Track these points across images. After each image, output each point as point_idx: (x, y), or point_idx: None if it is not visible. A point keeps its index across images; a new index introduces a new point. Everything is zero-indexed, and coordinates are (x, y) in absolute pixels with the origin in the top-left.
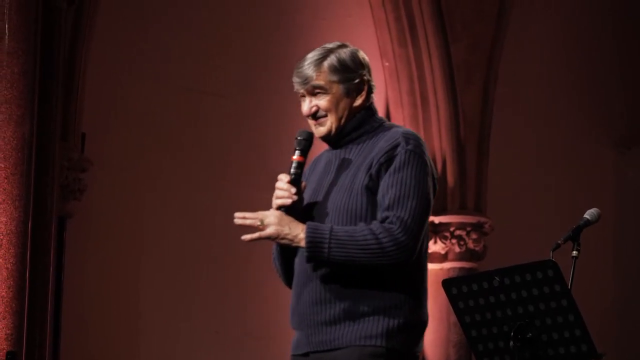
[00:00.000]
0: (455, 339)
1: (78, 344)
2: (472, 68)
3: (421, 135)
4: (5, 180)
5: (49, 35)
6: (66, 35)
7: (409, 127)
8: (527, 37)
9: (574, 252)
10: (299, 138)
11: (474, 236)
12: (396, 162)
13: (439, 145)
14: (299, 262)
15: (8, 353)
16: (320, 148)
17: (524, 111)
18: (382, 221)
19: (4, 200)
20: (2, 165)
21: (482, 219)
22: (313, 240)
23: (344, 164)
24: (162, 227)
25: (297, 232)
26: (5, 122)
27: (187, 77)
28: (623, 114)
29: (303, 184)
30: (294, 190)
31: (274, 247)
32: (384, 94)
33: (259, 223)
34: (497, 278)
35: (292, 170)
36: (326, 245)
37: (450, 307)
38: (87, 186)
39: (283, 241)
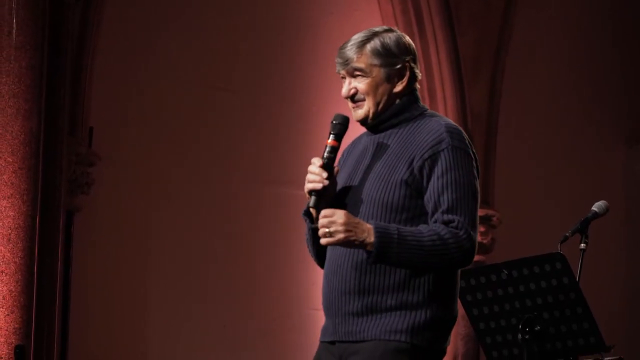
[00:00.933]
0: (463, 332)
1: (86, 337)
2: (480, 61)
3: None
4: (13, 175)
5: (57, 29)
6: (74, 29)
7: None
8: (534, 31)
9: (582, 244)
10: (334, 122)
11: (481, 229)
12: (445, 161)
13: None
14: (331, 249)
15: (16, 347)
16: (356, 130)
17: (532, 104)
18: (446, 223)
19: (12, 194)
20: (10, 160)
21: (490, 212)
22: (381, 246)
23: (381, 151)
24: (170, 221)
25: (364, 236)
26: (13, 116)
27: (196, 72)
28: (633, 107)
29: (336, 169)
30: (325, 174)
31: (306, 228)
32: None
33: (327, 231)
34: (505, 271)
35: (325, 154)
36: (395, 250)
37: (459, 300)
38: (94, 180)
39: (349, 244)
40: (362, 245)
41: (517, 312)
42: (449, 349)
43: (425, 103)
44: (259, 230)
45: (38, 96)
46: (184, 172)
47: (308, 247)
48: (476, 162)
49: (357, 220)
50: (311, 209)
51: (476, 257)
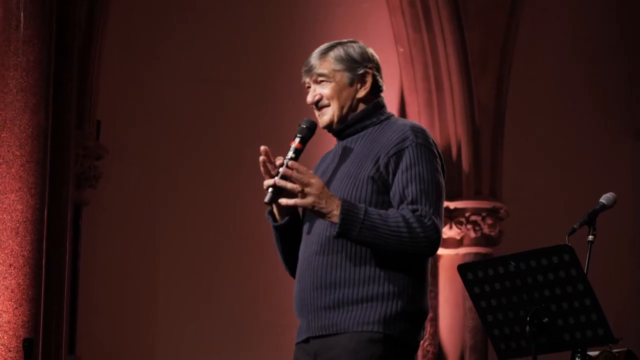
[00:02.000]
0: (471, 324)
1: (94, 330)
2: (487, 54)
3: (436, 120)
4: (21, 168)
5: (64, 23)
6: (81, 23)
7: (423, 113)
8: (541, 24)
9: (590, 236)
10: (301, 125)
11: (489, 221)
12: (409, 157)
13: (454, 130)
14: (302, 249)
15: (25, 340)
16: (328, 141)
17: (539, 96)
18: (412, 212)
19: (20, 188)
20: (18, 153)
21: (498, 204)
22: (346, 218)
23: (348, 154)
24: (177, 214)
25: (332, 207)
26: (20, 110)
27: (203, 66)
28: None
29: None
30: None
31: (274, 234)
32: (399, 80)
33: (299, 189)
34: (512, 263)
35: (288, 155)
36: (358, 225)
37: (466, 293)
38: (102, 174)
39: (316, 212)
40: (328, 215)
41: (525, 304)
42: (457, 341)
43: (432, 96)
44: (265, 224)
45: (46, 90)
46: (191, 165)
47: (277, 248)
48: (441, 160)
49: (330, 193)
50: (274, 207)
51: (484, 250)
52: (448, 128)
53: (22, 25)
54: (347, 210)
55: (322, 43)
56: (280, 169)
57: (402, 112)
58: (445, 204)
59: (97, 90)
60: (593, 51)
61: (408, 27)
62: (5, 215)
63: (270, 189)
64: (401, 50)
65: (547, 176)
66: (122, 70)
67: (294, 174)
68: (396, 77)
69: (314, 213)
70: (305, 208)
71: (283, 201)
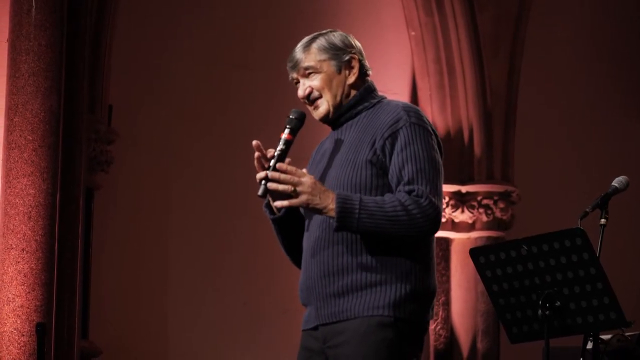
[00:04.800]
0: (483, 308)
1: (106, 315)
2: (499, 37)
3: (447, 104)
4: (34, 153)
5: (76, 7)
6: (93, 7)
7: (435, 97)
8: (553, 6)
9: (602, 220)
10: (290, 117)
11: (501, 205)
12: (404, 137)
13: (465, 114)
14: (306, 238)
15: (38, 324)
16: (321, 131)
17: (551, 79)
18: (408, 193)
19: (32, 172)
20: (30, 138)
21: (510, 188)
22: (343, 211)
23: (345, 141)
24: (190, 198)
25: (327, 202)
26: (32, 94)
27: (214, 50)
28: None
29: (287, 161)
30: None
31: (273, 227)
32: (410, 64)
33: (291, 189)
34: (524, 246)
35: (279, 147)
36: (356, 216)
37: (478, 276)
38: (114, 158)
39: (311, 209)
40: (324, 210)
41: (537, 287)
42: (469, 325)
43: (444, 80)
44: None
45: (57, 74)
46: (203, 149)
47: (278, 240)
48: (437, 137)
49: (323, 187)
50: (269, 198)
51: (496, 233)
52: (460, 112)
53: (33, 9)
54: (343, 203)
55: (333, 26)
56: (271, 163)
57: (414, 96)
58: (457, 187)
59: (109, 74)
60: (606, 33)
61: (420, 11)
62: (17, 200)
63: (263, 182)
64: (413, 33)
65: (559, 159)
66: (134, 55)
67: (282, 176)
68: (408, 61)
69: (310, 210)
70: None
71: (277, 203)
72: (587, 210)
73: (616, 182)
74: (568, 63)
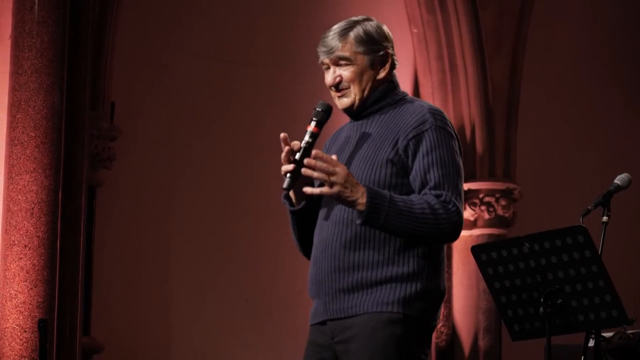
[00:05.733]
0: (484, 306)
1: (108, 312)
2: (501, 34)
3: (449, 101)
4: (36, 149)
5: (79, 4)
6: (95, 4)
7: (437, 94)
8: (556, 2)
9: (604, 217)
10: (317, 109)
11: (503, 202)
12: (429, 140)
13: (467, 111)
14: (318, 231)
15: (40, 321)
16: (338, 122)
17: (553, 77)
18: (436, 197)
19: (34, 169)
20: (33, 134)
21: (511, 186)
22: (372, 207)
23: (365, 136)
24: (192, 195)
25: (357, 195)
26: (35, 91)
27: (217, 46)
28: None
29: (314, 153)
30: (297, 156)
31: (290, 219)
32: (413, 61)
33: (326, 178)
34: (526, 244)
35: (305, 139)
36: (384, 213)
37: (480, 274)
38: (116, 155)
39: (342, 200)
40: (354, 203)
41: (538, 285)
42: (471, 322)
43: (446, 77)
44: (281, 203)
45: (60, 71)
46: (206, 146)
47: (292, 232)
48: (458, 142)
49: (355, 180)
50: (290, 192)
51: (497, 231)
52: (462, 109)
53: (36, 6)
54: (373, 198)
55: (336, 22)
56: (297, 156)
57: (416, 93)
58: None
59: (112, 71)
60: (609, 29)
61: (422, 8)
62: (20, 196)
63: (288, 175)
64: (415, 31)
65: (561, 157)
66: (136, 52)
67: (318, 163)
68: (410, 58)
69: (340, 201)
70: (330, 197)
71: (308, 190)
72: (589, 207)
73: (618, 180)
74: (570, 60)
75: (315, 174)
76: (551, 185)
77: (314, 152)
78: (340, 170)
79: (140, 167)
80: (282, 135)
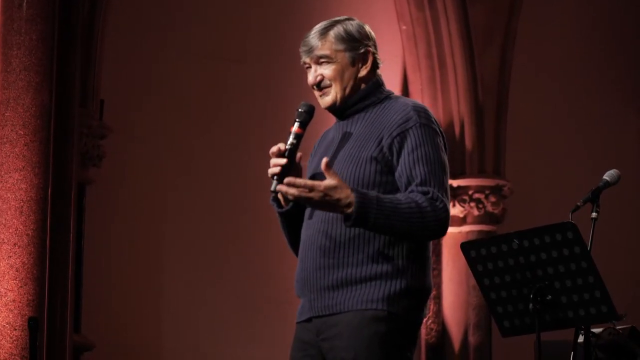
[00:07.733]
0: (474, 302)
1: (99, 309)
2: (490, 30)
3: (439, 98)
4: (25, 147)
5: (68, 1)
6: (85, 1)
7: (426, 91)
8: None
9: (594, 213)
10: (299, 110)
11: (492, 199)
12: (414, 138)
13: (457, 108)
14: (305, 229)
15: (30, 319)
16: (324, 123)
17: (543, 73)
18: (423, 194)
19: (23, 167)
20: (22, 132)
21: (501, 182)
22: (361, 210)
23: (349, 135)
24: (183, 192)
25: (342, 197)
26: (24, 89)
27: (207, 43)
28: None
29: (299, 155)
30: (283, 161)
31: (279, 220)
32: (402, 58)
33: (307, 191)
34: (516, 240)
35: (289, 141)
36: (373, 215)
37: (469, 270)
38: (106, 153)
39: (325, 208)
40: (338, 205)
41: (528, 281)
42: (461, 318)
43: (435, 74)
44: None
45: (49, 69)
46: (196, 143)
47: (283, 232)
48: (443, 139)
49: (344, 185)
50: (279, 194)
51: (487, 227)
52: (451, 106)
53: (25, 3)
54: (361, 200)
55: (327, 19)
56: (282, 160)
57: (405, 90)
58: (449, 181)
59: (101, 69)
60: (597, 26)
61: (411, 5)
62: (9, 195)
63: (275, 177)
64: (404, 28)
65: (551, 153)
66: (126, 49)
67: (290, 190)
68: (399, 55)
69: (323, 208)
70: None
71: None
72: (579, 204)
73: (607, 176)
74: (560, 57)
75: (293, 191)
76: (541, 182)
77: (286, 179)
78: (315, 194)
79: (130, 164)
80: (274, 148)
